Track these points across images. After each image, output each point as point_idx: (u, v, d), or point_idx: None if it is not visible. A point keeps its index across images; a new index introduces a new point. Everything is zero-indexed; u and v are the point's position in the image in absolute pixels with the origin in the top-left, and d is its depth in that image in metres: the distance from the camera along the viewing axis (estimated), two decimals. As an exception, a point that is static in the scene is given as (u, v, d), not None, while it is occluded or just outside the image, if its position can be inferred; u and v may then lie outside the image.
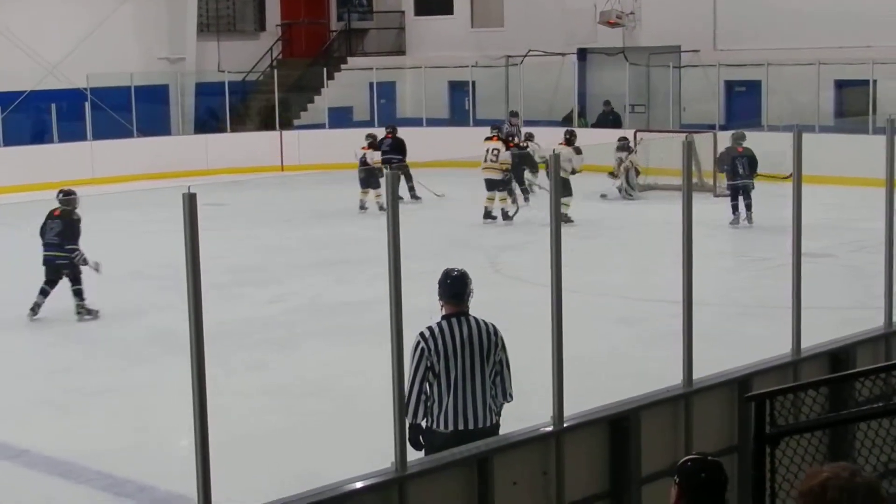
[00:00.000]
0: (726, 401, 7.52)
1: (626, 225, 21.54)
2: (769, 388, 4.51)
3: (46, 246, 14.70)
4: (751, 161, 20.58)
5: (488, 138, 23.18)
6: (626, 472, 6.82)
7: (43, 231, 14.81)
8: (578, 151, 22.18)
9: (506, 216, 21.73)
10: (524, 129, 26.78)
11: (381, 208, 23.29)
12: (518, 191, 22.55)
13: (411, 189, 24.58)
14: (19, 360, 13.08)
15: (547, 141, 24.90)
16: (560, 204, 6.50)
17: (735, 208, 20.56)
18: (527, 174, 23.53)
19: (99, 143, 29.48)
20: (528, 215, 20.84)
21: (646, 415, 6.97)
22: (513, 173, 22.59)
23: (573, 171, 21.96)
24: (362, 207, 23.11)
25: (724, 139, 22.91)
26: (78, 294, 14.73)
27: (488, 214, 21.81)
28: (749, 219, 20.46)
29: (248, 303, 15.23)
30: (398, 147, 25.31)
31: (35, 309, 14.64)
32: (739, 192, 20.55)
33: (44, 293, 14.72)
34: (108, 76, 30.20)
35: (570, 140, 22.64)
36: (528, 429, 6.62)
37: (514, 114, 29.44)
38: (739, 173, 20.54)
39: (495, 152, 22.08)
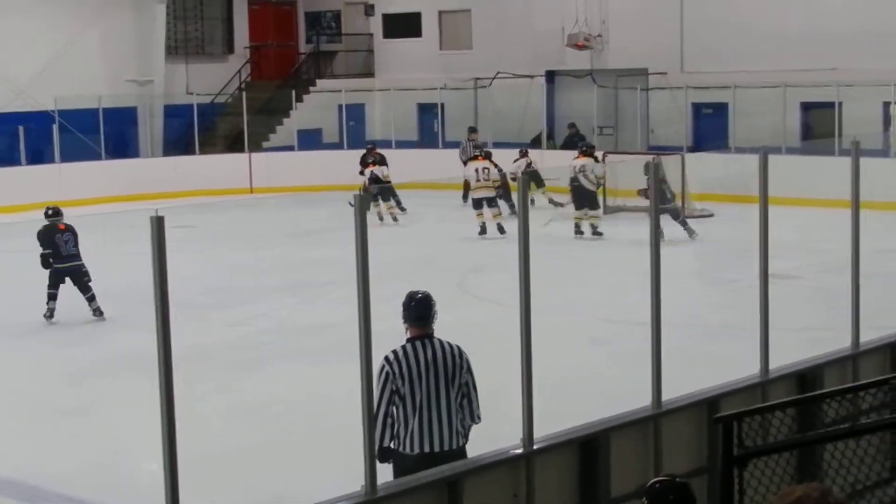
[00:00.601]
0: (695, 422, 7.54)
1: (596, 246, 21.60)
2: (737, 410, 4.53)
3: (69, 257, 15.82)
4: (670, 186, 21.50)
5: (472, 158, 23.60)
6: (595, 494, 6.83)
7: (55, 244, 15.81)
8: (597, 160, 23.03)
9: (501, 230, 22.19)
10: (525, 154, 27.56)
11: (394, 219, 23.76)
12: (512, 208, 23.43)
13: (398, 203, 25.51)
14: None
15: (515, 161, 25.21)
16: (528, 223, 6.50)
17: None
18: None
19: (67, 165, 29.37)
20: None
21: (615, 436, 6.99)
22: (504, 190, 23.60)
23: (598, 183, 22.38)
24: (381, 219, 23.84)
25: (692, 161, 23.11)
26: (94, 298, 15.89)
27: (485, 230, 22.35)
28: (691, 233, 21.22)
29: (218, 324, 15.20)
30: (382, 160, 26.50)
31: (52, 314, 15.81)
32: (668, 214, 21.05)
33: (55, 297, 15.82)
34: (76, 98, 30.12)
35: (587, 151, 23.19)
36: (498, 451, 6.62)
37: (472, 129, 29.57)
38: (668, 197, 21.08)
39: (486, 171, 22.85)
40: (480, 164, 23.09)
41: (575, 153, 23.72)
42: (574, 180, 22.49)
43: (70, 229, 16.04)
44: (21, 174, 28.44)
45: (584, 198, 22.42)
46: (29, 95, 30.15)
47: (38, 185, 27.70)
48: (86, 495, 9.27)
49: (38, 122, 29.87)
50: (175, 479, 5.01)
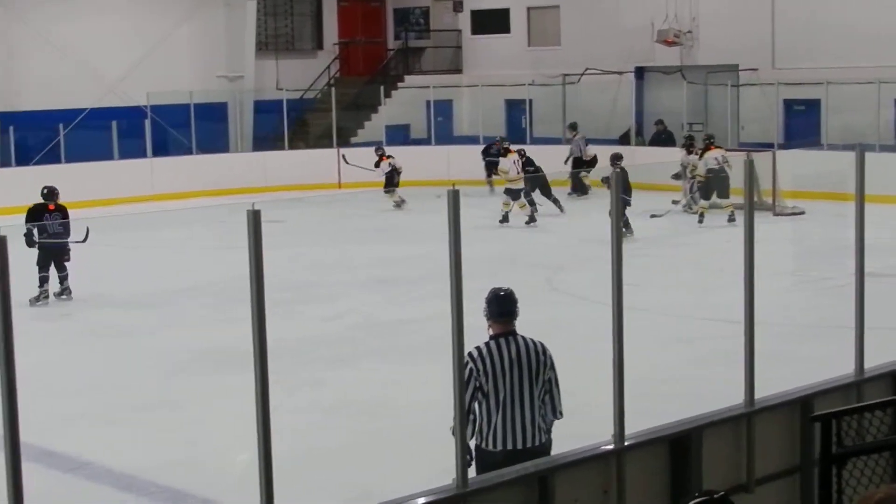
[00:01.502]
0: (788, 421, 7.45)
1: (683, 244, 21.45)
2: (834, 409, 4.47)
3: (54, 235, 16.65)
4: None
5: (506, 151, 24.87)
6: (686, 492, 6.77)
7: (41, 225, 16.61)
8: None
9: (507, 219, 23.61)
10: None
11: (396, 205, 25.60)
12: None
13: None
14: (74, 373, 13.15)
15: (603, 159, 25.14)
16: (621, 219, 6.46)
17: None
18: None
19: (158, 160, 29.80)
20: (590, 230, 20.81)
21: (707, 434, 6.92)
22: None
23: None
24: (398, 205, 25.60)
25: (783, 158, 22.89)
26: (66, 277, 16.83)
27: (507, 218, 23.62)
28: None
29: (305, 320, 15.26)
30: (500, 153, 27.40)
31: (47, 296, 16.61)
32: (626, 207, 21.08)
33: (46, 280, 16.65)
34: (168, 94, 30.50)
35: (715, 142, 24.23)
36: (588, 447, 6.59)
37: (573, 126, 29.51)
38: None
39: (519, 163, 24.41)
40: (515, 156, 24.44)
41: (678, 149, 24.65)
42: (720, 171, 23.15)
43: (61, 210, 17.04)
44: (113, 168, 28.86)
45: (722, 187, 23.21)
46: (122, 91, 30.58)
47: (130, 180, 28.15)
48: (179, 485, 9.38)
49: (130, 118, 30.30)
50: (269, 472, 5.05)
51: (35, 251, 16.43)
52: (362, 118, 34.35)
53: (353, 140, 33.43)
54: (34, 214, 16.85)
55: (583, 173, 27.75)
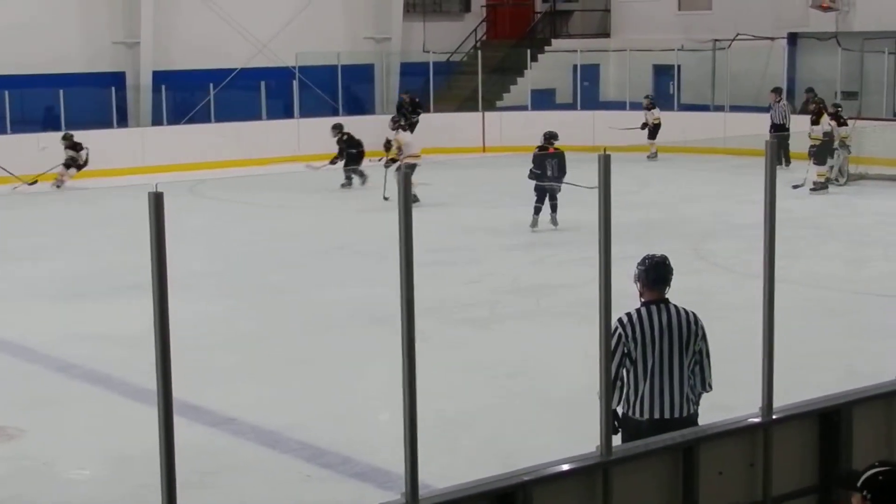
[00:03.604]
0: (945, 399, 7.23)
1: (835, 215, 20.97)
2: None
3: None
4: (560, 162, 19.41)
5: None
6: (835, 468, 6.63)
7: None
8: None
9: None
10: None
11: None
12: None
13: None
14: (219, 329, 13.33)
15: (751, 128, 24.65)
16: (775, 189, 6.30)
17: (538, 210, 19.31)
18: None
19: (305, 120, 30.07)
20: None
21: (858, 410, 6.76)
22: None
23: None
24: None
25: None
26: None
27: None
28: (554, 221, 19.24)
29: (449, 281, 15.29)
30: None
31: None
32: (546, 193, 19.30)
33: None
34: (316, 55, 30.78)
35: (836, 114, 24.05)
36: (735, 419, 6.49)
37: (777, 91, 28.55)
38: (548, 175, 19.25)
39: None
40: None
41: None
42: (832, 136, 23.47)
43: None
44: (262, 128, 29.26)
45: (824, 154, 23.57)
46: (271, 51, 30.93)
47: (278, 140, 28.47)
48: (321, 443, 9.47)
49: (278, 78, 30.64)
50: (414, 432, 5.05)
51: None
52: (508, 82, 34.25)
53: (499, 104, 33.38)
54: None
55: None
